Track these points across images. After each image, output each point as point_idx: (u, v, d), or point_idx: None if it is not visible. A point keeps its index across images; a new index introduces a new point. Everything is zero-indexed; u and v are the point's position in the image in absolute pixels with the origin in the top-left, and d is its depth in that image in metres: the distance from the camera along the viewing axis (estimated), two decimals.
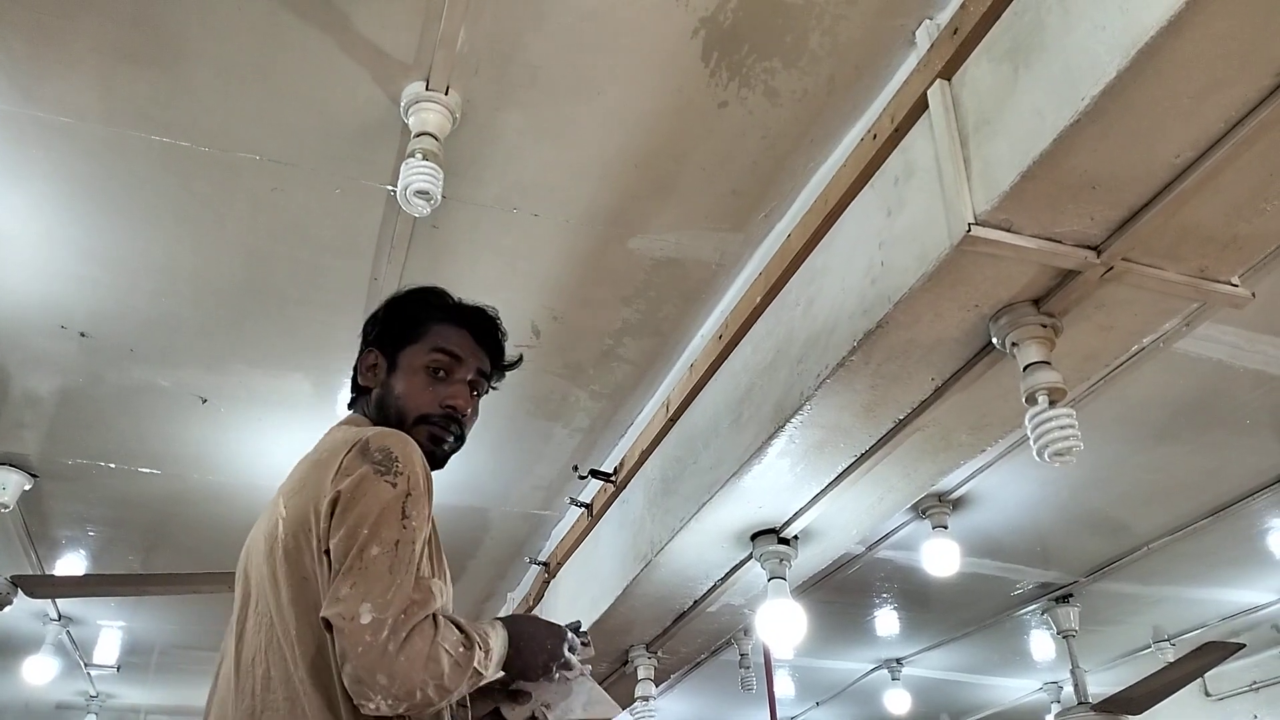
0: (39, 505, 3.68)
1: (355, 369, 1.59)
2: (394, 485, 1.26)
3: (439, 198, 1.92)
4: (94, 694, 6.10)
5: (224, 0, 1.81)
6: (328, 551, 1.24)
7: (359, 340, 1.61)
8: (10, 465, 3.39)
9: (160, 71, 1.94)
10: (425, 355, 1.56)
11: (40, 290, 2.53)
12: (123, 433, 3.23)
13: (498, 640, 1.34)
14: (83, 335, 2.72)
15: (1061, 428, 1.61)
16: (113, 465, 3.44)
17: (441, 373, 1.54)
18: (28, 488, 3.45)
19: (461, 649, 1.23)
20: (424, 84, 1.93)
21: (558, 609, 3.64)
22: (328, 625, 1.19)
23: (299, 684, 1.23)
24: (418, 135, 1.92)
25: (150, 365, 2.87)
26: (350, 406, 1.59)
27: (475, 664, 1.24)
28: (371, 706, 1.16)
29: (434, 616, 1.22)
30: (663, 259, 2.47)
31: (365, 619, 1.16)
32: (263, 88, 1.98)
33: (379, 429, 1.38)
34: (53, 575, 4.27)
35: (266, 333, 2.72)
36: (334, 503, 1.26)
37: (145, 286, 2.53)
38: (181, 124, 2.06)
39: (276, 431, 3.19)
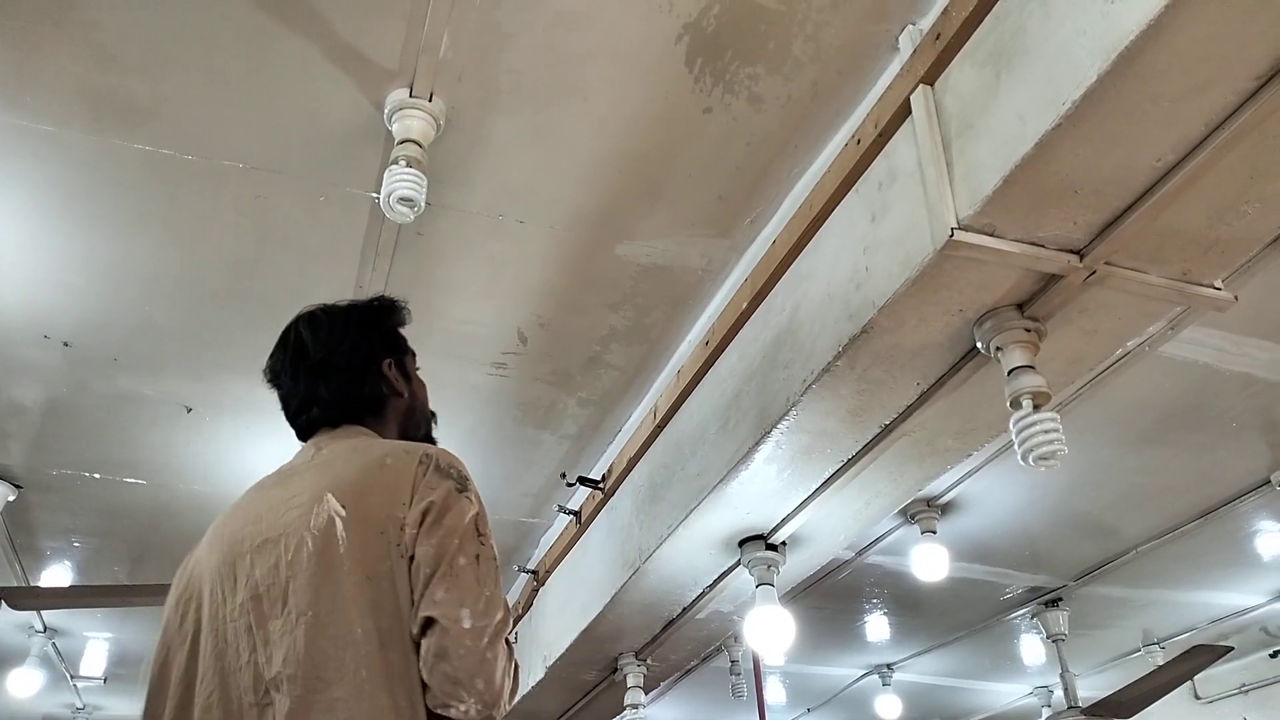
0: (24, 516, 3.65)
1: (379, 382, 1.59)
2: (471, 502, 1.33)
3: (422, 205, 1.91)
4: (80, 706, 6.06)
5: (208, 8, 1.80)
6: (413, 557, 1.28)
7: (336, 353, 1.59)
8: None
9: (144, 80, 1.93)
10: (413, 362, 1.69)
11: (23, 299, 2.52)
12: (108, 443, 3.21)
13: None
14: (66, 345, 2.70)
15: (1045, 432, 1.61)
16: (98, 475, 3.41)
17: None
18: (12, 499, 3.43)
19: (515, 672, 1.29)
20: (408, 90, 1.93)
21: (547, 617, 3.63)
22: (427, 624, 1.23)
23: (363, 684, 1.22)
24: (401, 142, 1.92)
25: (135, 374, 2.85)
26: (346, 421, 1.55)
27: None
28: (461, 709, 1.18)
29: (507, 638, 1.26)
30: (649, 265, 2.46)
31: (466, 624, 1.20)
32: (247, 95, 1.98)
33: (434, 446, 1.43)
34: (38, 587, 4.24)
35: (251, 340, 2.70)
36: (425, 513, 1.30)
37: (129, 295, 2.51)
38: (165, 132, 2.05)
39: (262, 440, 3.17)
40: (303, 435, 1.59)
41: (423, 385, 1.70)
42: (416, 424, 1.64)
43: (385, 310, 1.68)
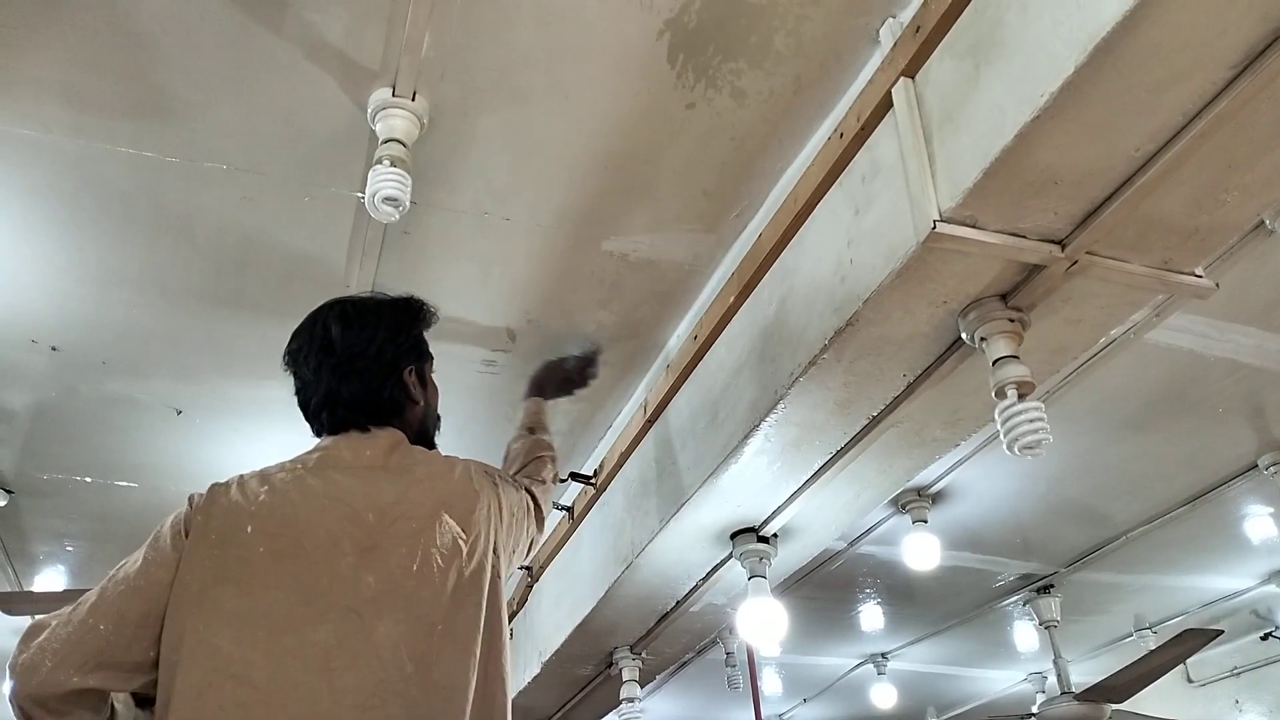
0: (16, 521, 3.65)
1: (400, 389, 1.67)
2: (518, 488, 1.82)
3: (407, 204, 1.91)
4: None
5: (189, 10, 1.80)
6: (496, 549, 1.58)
7: (374, 357, 1.67)
8: None
9: (127, 83, 1.93)
10: (431, 366, 1.78)
11: (9, 305, 2.51)
12: (98, 446, 3.20)
13: None
14: (54, 349, 2.70)
15: (1030, 421, 1.62)
16: (89, 479, 3.41)
17: None
18: (3, 504, 3.42)
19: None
20: (390, 90, 1.92)
21: (541, 612, 3.64)
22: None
23: (473, 689, 1.40)
24: (385, 142, 1.91)
25: (123, 378, 2.85)
26: (374, 423, 1.63)
27: None
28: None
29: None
30: (637, 261, 2.47)
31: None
32: (229, 97, 1.97)
33: (485, 463, 1.73)
34: (31, 591, 4.23)
35: (239, 342, 2.70)
36: (511, 523, 1.70)
37: (115, 299, 2.51)
38: (148, 135, 2.05)
39: (253, 441, 3.17)
40: (324, 429, 1.65)
41: (436, 391, 1.79)
42: (427, 430, 1.74)
43: (415, 314, 1.76)
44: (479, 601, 1.47)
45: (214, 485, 1.52)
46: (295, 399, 1.70)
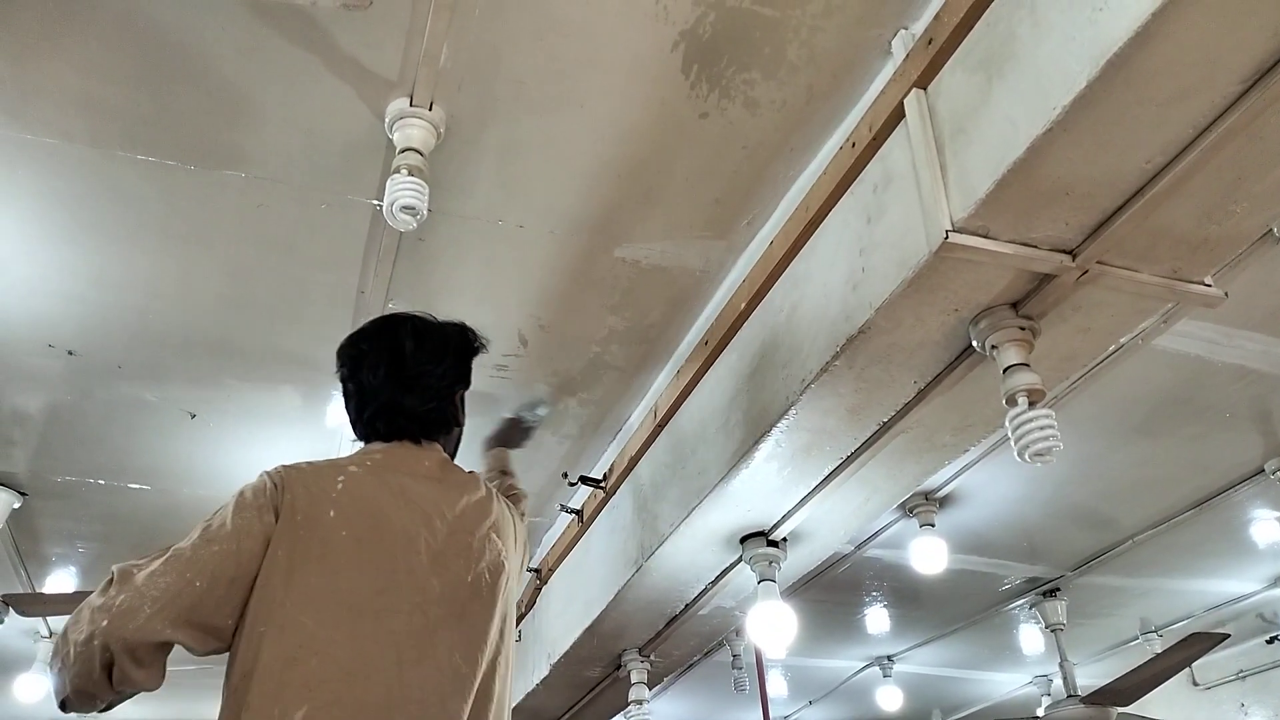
0: (29, 523, 3.68)
1: (453, 410, 1.79)
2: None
3: (425, 212, 1.94)
4: None
5: (208, 21, 1.82)
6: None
7: (454, 383, 1.80)
8: None
9: (145, 92, 1.95)
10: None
11: (28, 309, 2.54)
12: (112, 449, 3.23)
13: None
14: (70, 353, 2.72)
15: (1041, 428, 1.64)
16: (102, 482, 3.44)
17: None
18: (17, 506, 3.45)
19: None
20: (408, 100, 1.95)
21: (550, 615, 3.66)
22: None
23: (505, 704, 1.54)
24: (403, 151, 1.94)
25: (138, 382, 2.87)
26: (425, 437, 1.72)
27: None
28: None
29: None
30: (649, 267, 2.49)
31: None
32: (248, 106, 2.00)
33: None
34: (43, 593, 4.26)
35: (254, 347, 2.73)
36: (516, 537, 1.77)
37: (132, 304, 2.54)
38: (167, 143, 2.07)
39: (266, 445, 3.20)
40: (374, 435, 1.71)
41: (465, 417, 1.88)
42: (456, 450, 1.84)
43: (471, 343, 1.86)
44: (505, 617, 1.58)
45: (287, 467, 1.56)
46: (346, 402, 1.76)
